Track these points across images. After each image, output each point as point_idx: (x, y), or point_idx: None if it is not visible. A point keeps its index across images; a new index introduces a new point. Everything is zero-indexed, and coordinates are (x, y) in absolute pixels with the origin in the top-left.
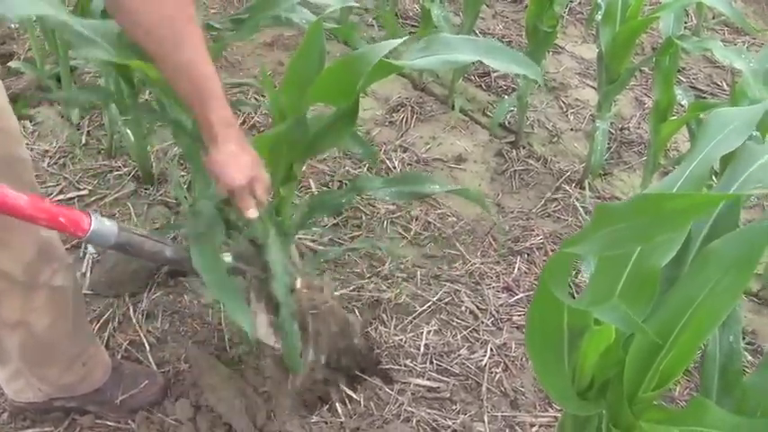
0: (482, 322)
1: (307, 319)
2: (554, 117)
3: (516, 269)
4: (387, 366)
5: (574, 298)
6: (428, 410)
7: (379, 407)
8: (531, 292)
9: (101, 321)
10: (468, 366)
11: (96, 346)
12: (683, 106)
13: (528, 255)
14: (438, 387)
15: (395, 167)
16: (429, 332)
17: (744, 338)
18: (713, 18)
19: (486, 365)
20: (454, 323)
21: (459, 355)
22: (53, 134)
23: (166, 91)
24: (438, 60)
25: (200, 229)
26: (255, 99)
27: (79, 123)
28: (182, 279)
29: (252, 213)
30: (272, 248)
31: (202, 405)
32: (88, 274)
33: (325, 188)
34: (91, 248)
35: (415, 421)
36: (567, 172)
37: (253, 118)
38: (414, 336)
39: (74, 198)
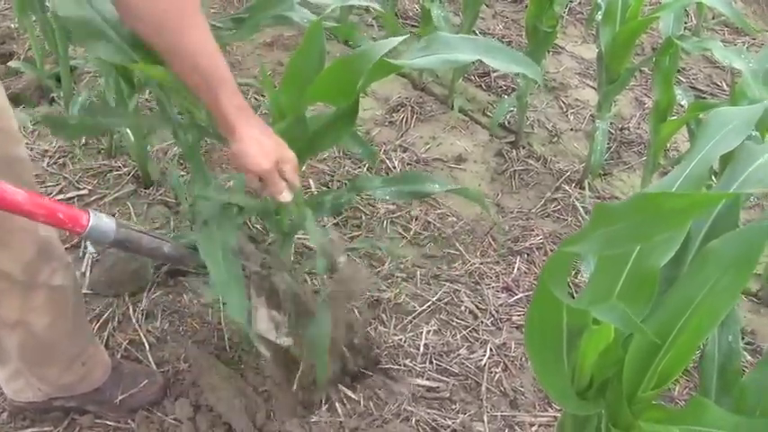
0: (482, 322)
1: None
2: (554, 117)
3: (516, 269)
4: (386, 366)
5: (573, 298)
6: (428, 410)
7: (379, 406)
8: (531, 292)
9: (100, 321)
10: (467, 366)
11: (96, 345)
12: (682, 106)
13: (527, 255)
14: (437, 387)
15: (395, 167)
16: (428, 332)
17: (743, 338)
18: (713, 18)
19: (485, 365)
20: (454, 323)
21: (459, 355)
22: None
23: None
24: (438, 60)
25: (207, 220)
26: (255, 99)
27: None
28: (181, 279)
29: (286, 197)
30: (310, 229)
31: (202, 404)
32: (88, 274)
33: (324, 188)
34: (90, 248)
35: (414, 421)
36: (567, 172)
37: None
38: (413, 335)
39: (73, 198)
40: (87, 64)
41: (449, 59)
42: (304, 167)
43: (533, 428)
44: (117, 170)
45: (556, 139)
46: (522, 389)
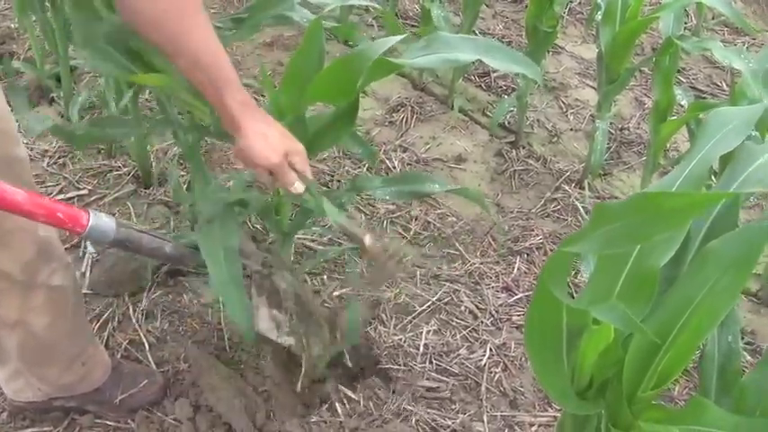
0: (481, 322)
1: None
2: (554, 117)
3: (516, 269)
4: (386, 366)
5: (573, 298)
6: (427, 410)
7: (379, 406)
8: (531, 292)
9: (100, 321)
10: (467, 366)
11: (96, 345)
12: (682, 106)
13: (527, 255)
14: (437, 387)
15: (394, 167)
16: (428, 332)
17: (743, 338)
18: (713, 18)
19: (485, 365)
20: (453, 323)
21: (459, 355)
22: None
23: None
24: (438, 59)
25: (208, 221)
26: (255, 99)
27: (79, 123)
28: (181, 279)
29: (298, 188)
30: (330, 211)
31: (202, 404)
32: (87, 274)
33: (324, 188)
34: (90, 248)
35: (414, 421)
36: (567, 172)
37: None
38: (413, 335)
39: (73, 198)
40: (87, 64)
41: (449, 59)
42: None
43: (533, 428)
44: (117, 170)
45: (556, 139)
46: (521, 389)
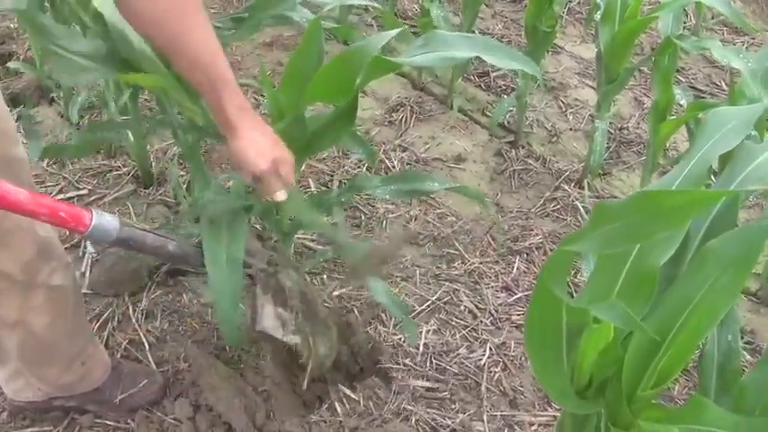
0: (481, 322)
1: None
2: (553, 117)
3: (515, 269)
4: (386, 366)
5: (572, 297)
6: (427, 410)
7: (378, 406)
8: (530, 292)
9: (100, 321)
10: (467, 366)
11: (95, 345)
12: (681, 106)
13: (527, 254)
14: (437, 386)
15: (394, 167)
16: (428, 331)
17: (742, 338)
18: (712, 18)
19: (485, 365)
20: (453, 323)
21: (458, 355)
22: (53, 134)
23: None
24: (436, 57)
25: (214, 222)
26: (255, 99)
27: (79, 123)
28: (181, 278)
29: (280, 196)
30: (310, 219)
31: (202, 404)
32: (87, 274)
33: (324, 187)
34: (90, 248)
35: (414, 420)
36: (567, 172)
37: None
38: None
39: (73, 198)
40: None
41: (447, 57)
42: (303, 167)
43: (533, 428)
44: (117, 170)
45: (555, 138)
46: (521, 388)
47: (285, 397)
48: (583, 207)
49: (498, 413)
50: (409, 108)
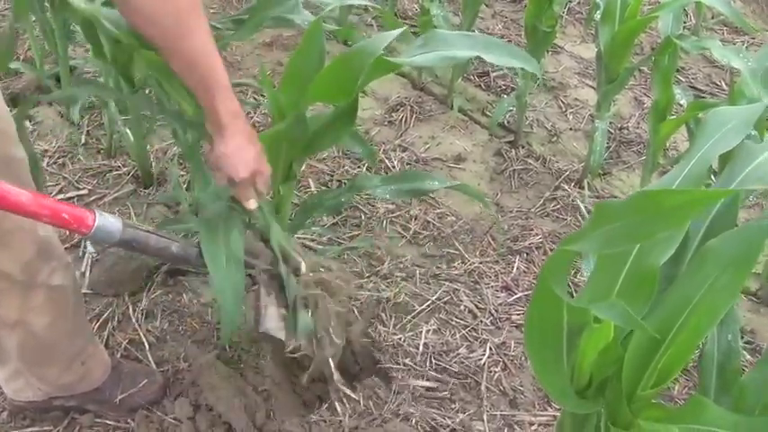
0: (481, 321)
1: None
2: (553, 117)
3: (515, 268)
4: (386, 365)
5: (572, 297)
6: (427, 409)
7: (378, 406)
8: (530, 292)
9: (100, 320)
10: (467, 365)
11: (95, 345)
12: (681, 106)
13: (527, 254)
14: (437, 386)
15: (394, 167)
16: (428, 331)
17: (742, 337)
18: (712, 18)
19: (485, 364)
20: (453, 322)
21: (459, 354)
22: (53, 134)
23: (168, 79)
24: (436, 57)
25: (211, 222)
26: (255, 98)
27: (79, 123)
28: (181, 278)
29: (251, 204)
30: (275, 232)
31: (202, 404)
32: (87, 274)
33: (324, 187)
34: (90, 247)
35: (414, 420)
36: (566, 171)
37: (252, 117)
38: (413, 335)
39: (73, 197)
40: (87, 64)
41: (447, 56)
42: (303, 167)
43: (533, 427)
44: (117, 170)
45: (555, 138)
46: (521, 388)
47: (285, 397)
48: (584, 207)
49: (498, 413)
50: (409, 108)
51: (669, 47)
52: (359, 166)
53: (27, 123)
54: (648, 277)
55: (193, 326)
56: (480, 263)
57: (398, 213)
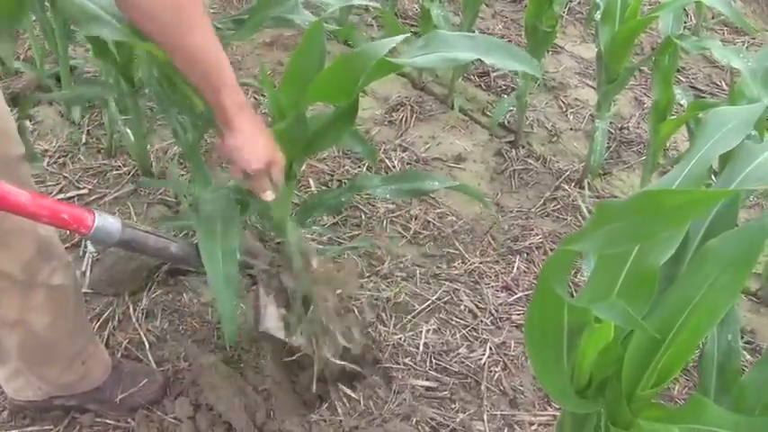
0: (481, 321)
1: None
2: (553, 117)
3: (515, 268)
4: (386, 365)
5: (573, 297)
6: (427, 409)
7: (379, 405)
8: (531, 292)
9: (100, 320)
10: (467, 365)
11: (96, 344)
12: (682, 106)
13: (527, 254)
14: (437, 386)
15: (394, 167)
16: (428, 331)
17: (742, 337)
18: (712, 18)
19: (485, 364)
20: (453, 322)
21: (459, 354)
22: (53, 133)
23: (171, 75)
24: (437, 58)
25: (209, 218)
26: (255, 98)
27: (79, 122)
28: (181, 278)
29: (269, 196)
30: (289, 227)
31: (202, 403)
32: (88, 273)
33: (324, 187)
34: (90, 247)
35: (414, 420)
36: (567, 171)
37: None
38: (413, 335)
39: (74, 197)
40: (87, 64)
41: (448, 58)
42: (304, 167)
43: (533, 427)
44: (117, 169)
45: (555, 138)
46: (521, 388)
47: (285, 396)
48: (585, 207)
49: (498, 413)
50: (409, 108)
51: (669, 47)
52: (359, 166)
53: (27, 123)
54: (648, 277)
55: (194, 325)
56: (480, 263)
57: (399, 213)
